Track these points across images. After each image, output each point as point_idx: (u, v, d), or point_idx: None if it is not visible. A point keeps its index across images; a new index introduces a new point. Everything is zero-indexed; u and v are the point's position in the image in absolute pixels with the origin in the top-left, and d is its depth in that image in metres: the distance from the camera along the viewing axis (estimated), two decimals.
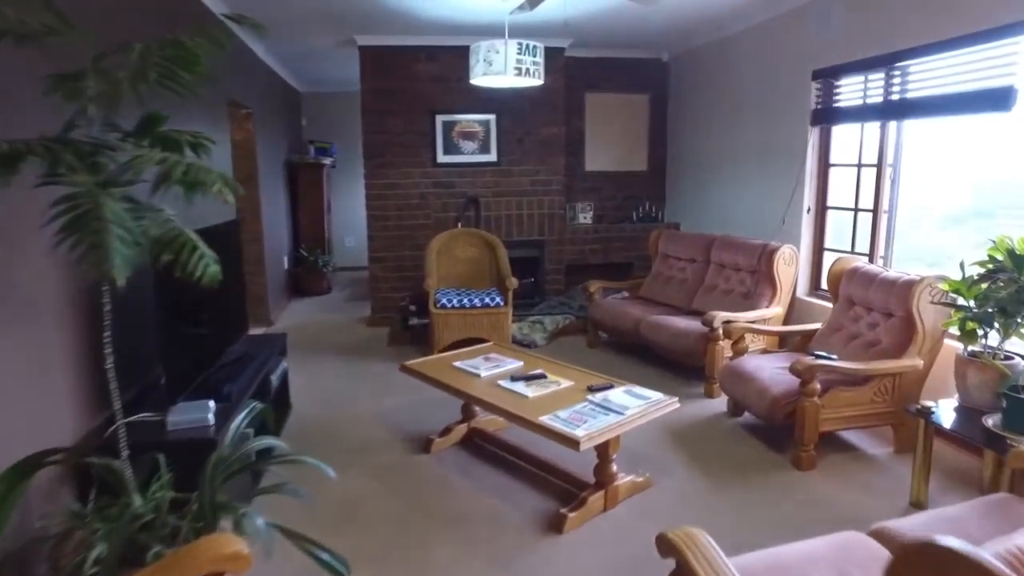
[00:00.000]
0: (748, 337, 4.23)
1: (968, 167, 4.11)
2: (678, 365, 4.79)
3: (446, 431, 3.71)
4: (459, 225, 6.32)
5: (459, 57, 6.05)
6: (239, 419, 2.42)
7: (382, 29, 5.78)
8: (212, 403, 2.77)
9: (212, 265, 1.69)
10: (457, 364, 3.67)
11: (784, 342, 4.72)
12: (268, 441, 2.30)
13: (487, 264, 5.76)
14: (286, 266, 7.76)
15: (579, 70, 6.73)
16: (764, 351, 4.48)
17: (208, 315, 3.38)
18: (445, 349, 5.14)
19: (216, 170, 1.96)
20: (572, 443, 2.65)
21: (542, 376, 3.42)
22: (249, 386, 3.25)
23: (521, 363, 3.68)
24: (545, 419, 2.83)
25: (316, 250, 8.24)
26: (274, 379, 3.83)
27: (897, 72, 4.05)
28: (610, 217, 7.08)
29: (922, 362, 3.34)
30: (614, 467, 2.98)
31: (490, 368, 3.58)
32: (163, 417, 2.63)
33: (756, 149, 5.50)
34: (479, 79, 4.45)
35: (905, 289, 3.41)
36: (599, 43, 6.49)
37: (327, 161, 8.54)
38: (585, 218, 6.85)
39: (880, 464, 3.41)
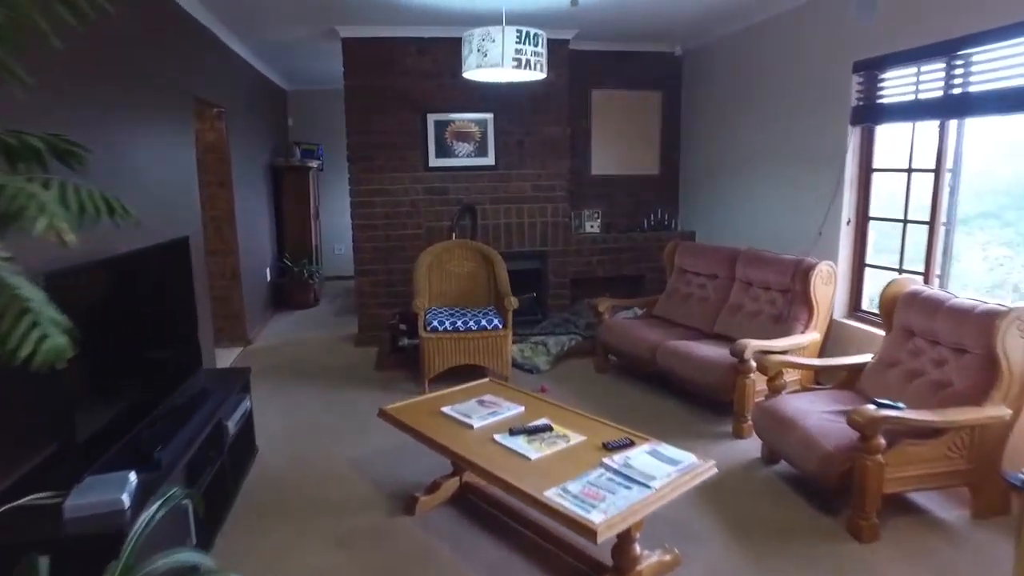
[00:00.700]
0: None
1: None
2: (701, 397, 4.22)
3: (434, 487, 3.13)
4: (453, 235, 5.75)
5: (452, 50, 5.48)
6: (150, 512, 1.84)
7: (367, 19, 5.21)
8: (133, 476, 2.20)
9: (55, 338, 1.11)
10: (446, 410, 3.10)
11: (822, 372, 4.14)
12: (187, 556, 1.71)
13: (484, 280, 5.18)
14: (269, 278, 7.18)
15: (584, 65, 6.16)
16: (801, 386, 3.90)
17: (143, 354, 2.81)
18: (437, 378, 4.58)
19: (87, 190, 1.37)
20: (588, 532, 2.07)
21: (547, 428, 2.84)
22: (192, 442, 2.67)
23: (522, 409, 3.10)
24: (552, 495, 2.25)
25: (302, 260, 7.66)
26: (232, 424, 3.26)
27: (959, 62, 3.47)
28: (619, 225, 6.50)
29: (1009, 412, 2.76)
30: (637, 548, 2.40)
31: (485, 416, 3.00)
32: (62, 499, 2.05)
33: (786, 152, 4.92)
34: (473, 72, 3.87)
35: (986, 321, 2.82)
36: (606, 35, 5.91)
37: (314, 164, 7.96)
38: (592, 227, 6.27)
39: (957, 534, 2.82)
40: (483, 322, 4.61)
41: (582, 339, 5.52)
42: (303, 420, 4.24)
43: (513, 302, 4.59)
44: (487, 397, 3.27)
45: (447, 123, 5.72)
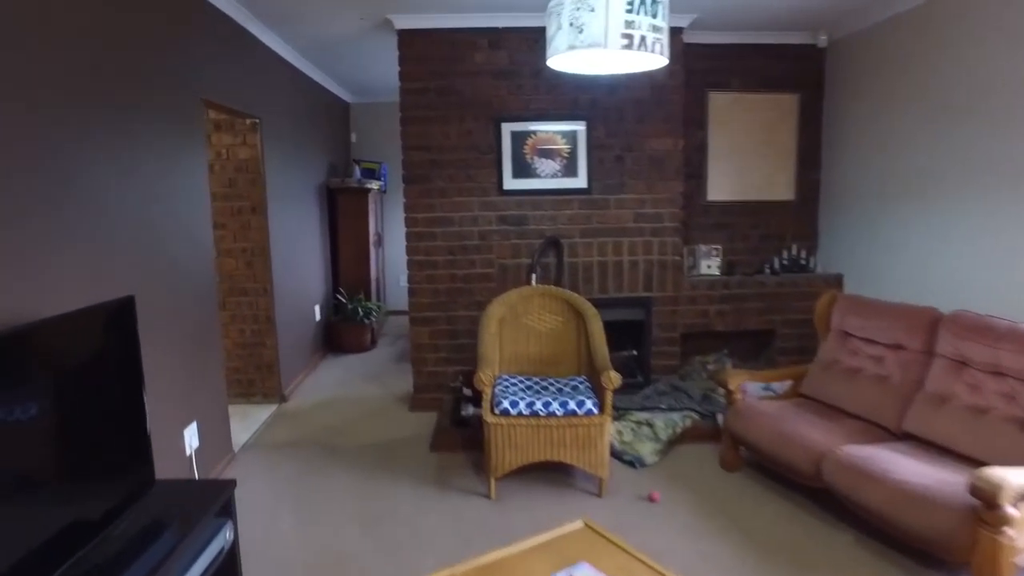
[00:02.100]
0: None
1: None
2: (897, 540, 2.82)
3: None
4: (533, 278, 4.54)
5: (533, 42, 4.32)
6: None
7: (426, 4, 4.11)
8: None
9: None
10: None
11: None
12: None
13: (573, 340, 3.95)
14: (319, 316, 6.18)
15: (701, 61, 4.87)
16: None
17: (47, 484, 1.71)
18: (507, 475, 3.37)
19: None
20: None
21: None
22: None
23: None
24: None
25: (358, 296, 6.63)
26: (199, 568, 2.15)
27: None
28: (742, 266, 5.13)
29: None
30: None
31: None
32: None
33: (991, 174, 3.48)
34: (562, 58, 2.68)
35: None
36: (730, 22, 4.62)
37: (374, 185, 6.95)
38: (709, 267, 4.92)
39: None
40: (572, 405, 3.36)
41: (699, 417, 4.19)
42: (321, 539, 3.10)
43: (614, 379, 3.32)
44: (581, 570, 2.01)
45: (527, 135, 4.54)
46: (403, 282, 8.04)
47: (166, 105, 3.24)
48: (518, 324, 3.95)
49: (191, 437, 3.41)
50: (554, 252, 4.64)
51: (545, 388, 3.66)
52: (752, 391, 4.00)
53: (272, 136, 4.87)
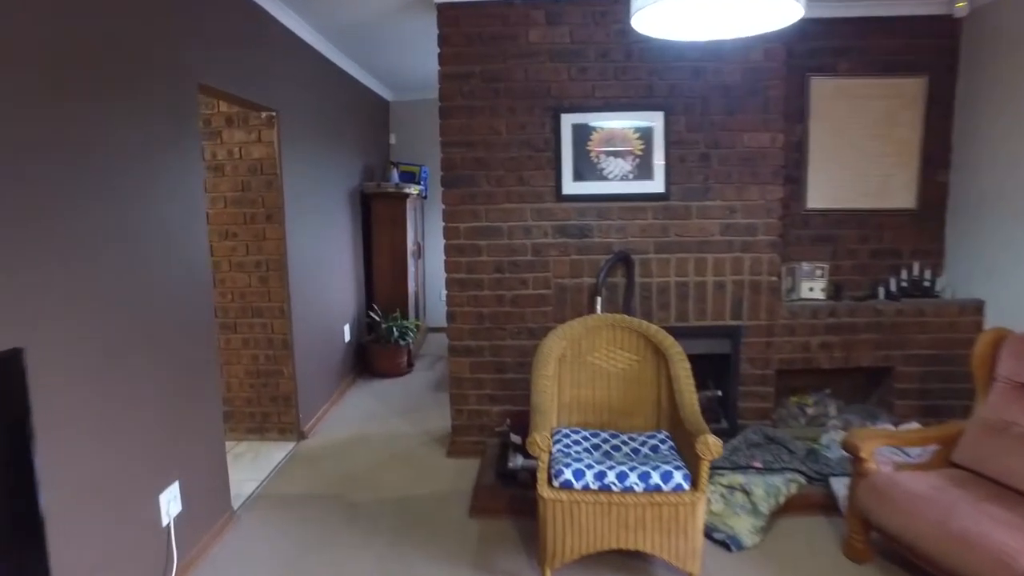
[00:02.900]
0: None
1: None
2: None
3: None
4: (598, 303, 3.73)
5: (600, 14, 3.54)
6: None
7: None
8: None
9: None
10: None
11: None
12: None
13: (652, 386, 3.13)
14: (348, 337, 5.48)
15: (800, 41, 4.01)
16: None
17: None
18: (567, 566, 2.58)
19: None
20: None
21: None
22: None
23: None
24: None
25: (393, 314, 5.92)
26: None
27: None
28: (849, 288, 4.23)
29: None
30: None
31: None
32: None
33: None
34: (649, 12, 1.90)
35: None
36: None
37: (413, 190, 6.23)
38: (812, 289, 4.04)
39: None
40: (655, 478, 2.54)
41: (807, 481, 3.32)
42: None
43: (713, 446, 2.49)
44: None
45: (591, 129, 3.74)
46: (445, 296, 7.35)
47: (148, 89, 2.55)
48: (582, 363, 3.15)
49: (169, 503, 2.71)
50: (624, 270, 3.83)
51: (617, 449, 2.85)
52: (881, 452, 3.11)
53: (293, 133, 4.18)
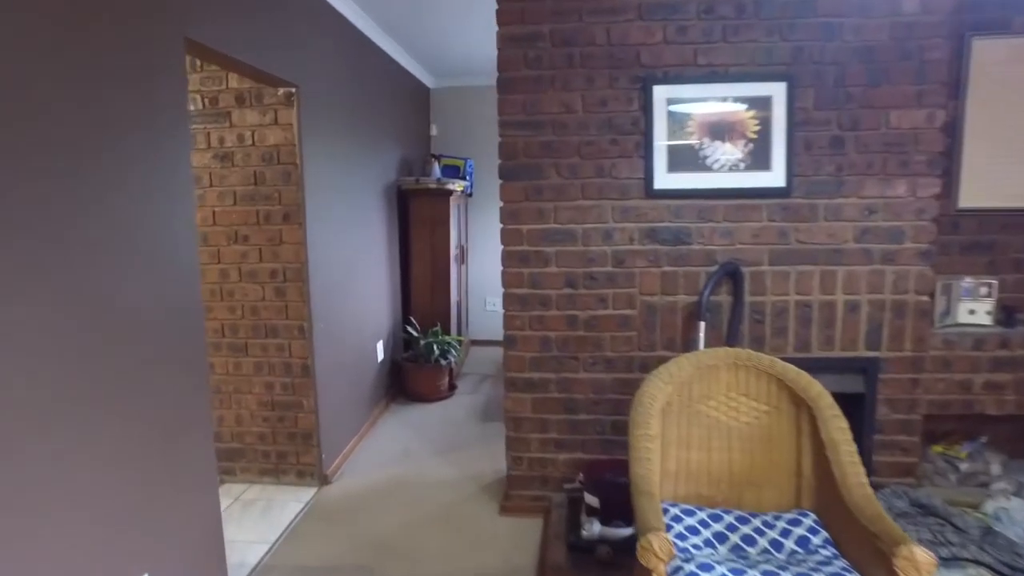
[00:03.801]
0: None
1: None
2: None
3: None
4: (700, 333, 2.90)
5: None
6: None
7: None
8: None
9: None
10: None
11: None
12: None
13: (788, 446, 2.29)
14: (382, 356, 4.74)
15: None
16: None
17: None
18: None
19: None
20: None
21: None
22: None
23: None
24: None
25: (433, 327, 5.16)
26: None
27: None
28: (1022, 310, 3.32)
29: None
30: None
31: None
32: None
33: None
34: None
35: None
36: None
37: (457, 186, 5.47)
38: (974, 312, 3.14)
39: None
40: None
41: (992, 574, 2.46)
42: None
43: (923, 563, 1.65)
44: None
45: (691, 105, 2.91)
46: (491, 305, 6.58)
47: (103, 40, 1.82)
48: (693, 415, 2.33)
49: None
50: (729, 286, 3.00)
51: (750, 541, 2.03)
52: None
53: (316, 114, 3.45)
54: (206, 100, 3.32)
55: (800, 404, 2.26)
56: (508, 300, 3.09)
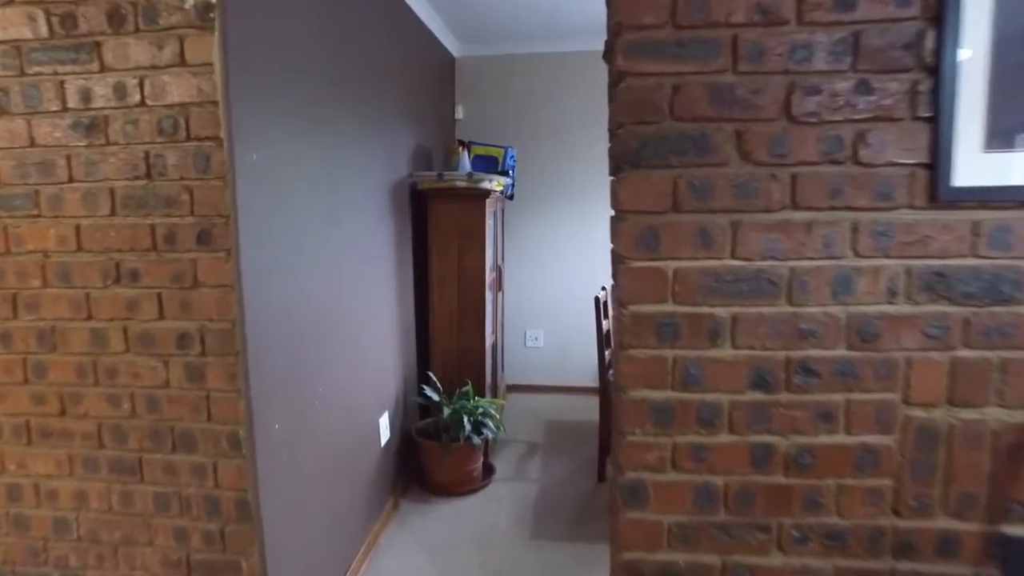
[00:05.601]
0: None
1: None
2: None
3: None
4: None
5: None
6: None
7: None
8: None
9: None
10: None
11: None
12: None
13: None
14: (386, 435, 3.20)
15: None
16: None
17: None
18: None
19: None
20: None
21: None
22: None
23: None
24: None
25: (462, 387, 3.62)
26: None
27: None
28: None
29: None
30: None
31: None
32: None
33: None
34: None
35: None
36: None
37: (496, 185, 3.93)
38: None
39: None
40: None
41: None
42: None
43: None
44: None
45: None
46: (532, 339, 5.04)
47: None
48: None
49: None
50: None
51: None
52: None
53: (262, 51, 1.93)
54: (53, 20, 1.80)
55: None
56: (632, 412, 1.53)
